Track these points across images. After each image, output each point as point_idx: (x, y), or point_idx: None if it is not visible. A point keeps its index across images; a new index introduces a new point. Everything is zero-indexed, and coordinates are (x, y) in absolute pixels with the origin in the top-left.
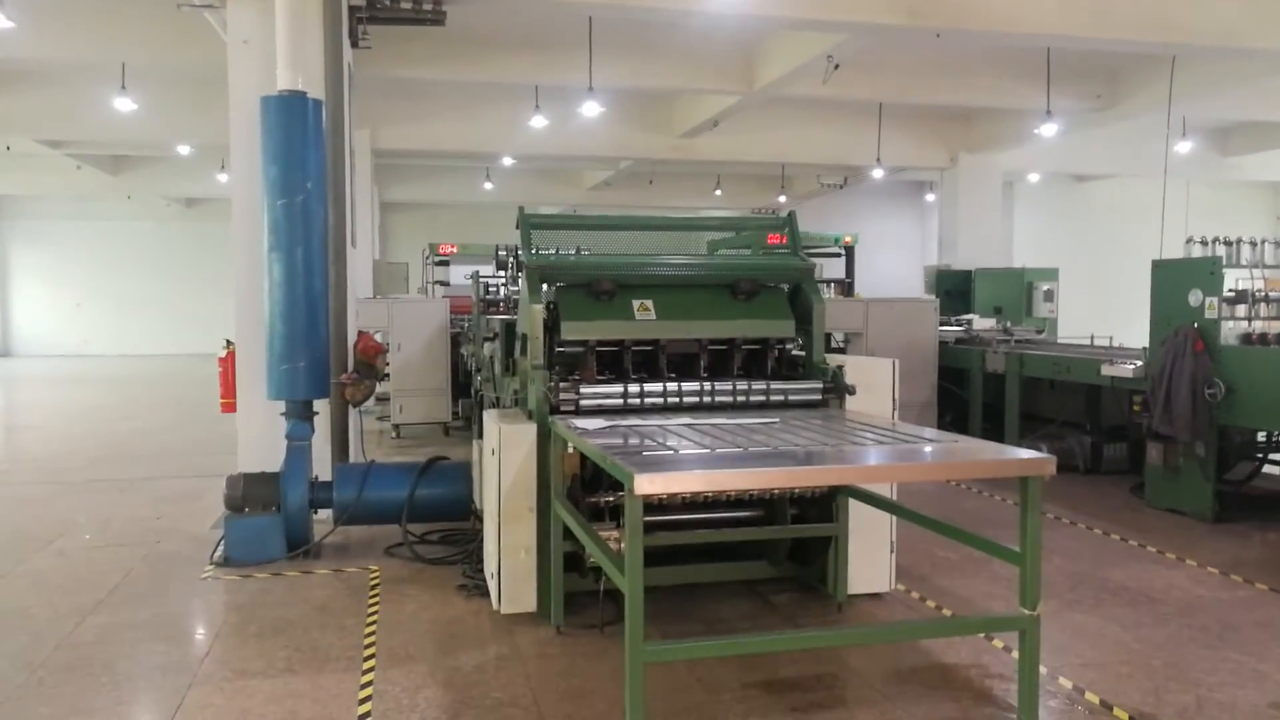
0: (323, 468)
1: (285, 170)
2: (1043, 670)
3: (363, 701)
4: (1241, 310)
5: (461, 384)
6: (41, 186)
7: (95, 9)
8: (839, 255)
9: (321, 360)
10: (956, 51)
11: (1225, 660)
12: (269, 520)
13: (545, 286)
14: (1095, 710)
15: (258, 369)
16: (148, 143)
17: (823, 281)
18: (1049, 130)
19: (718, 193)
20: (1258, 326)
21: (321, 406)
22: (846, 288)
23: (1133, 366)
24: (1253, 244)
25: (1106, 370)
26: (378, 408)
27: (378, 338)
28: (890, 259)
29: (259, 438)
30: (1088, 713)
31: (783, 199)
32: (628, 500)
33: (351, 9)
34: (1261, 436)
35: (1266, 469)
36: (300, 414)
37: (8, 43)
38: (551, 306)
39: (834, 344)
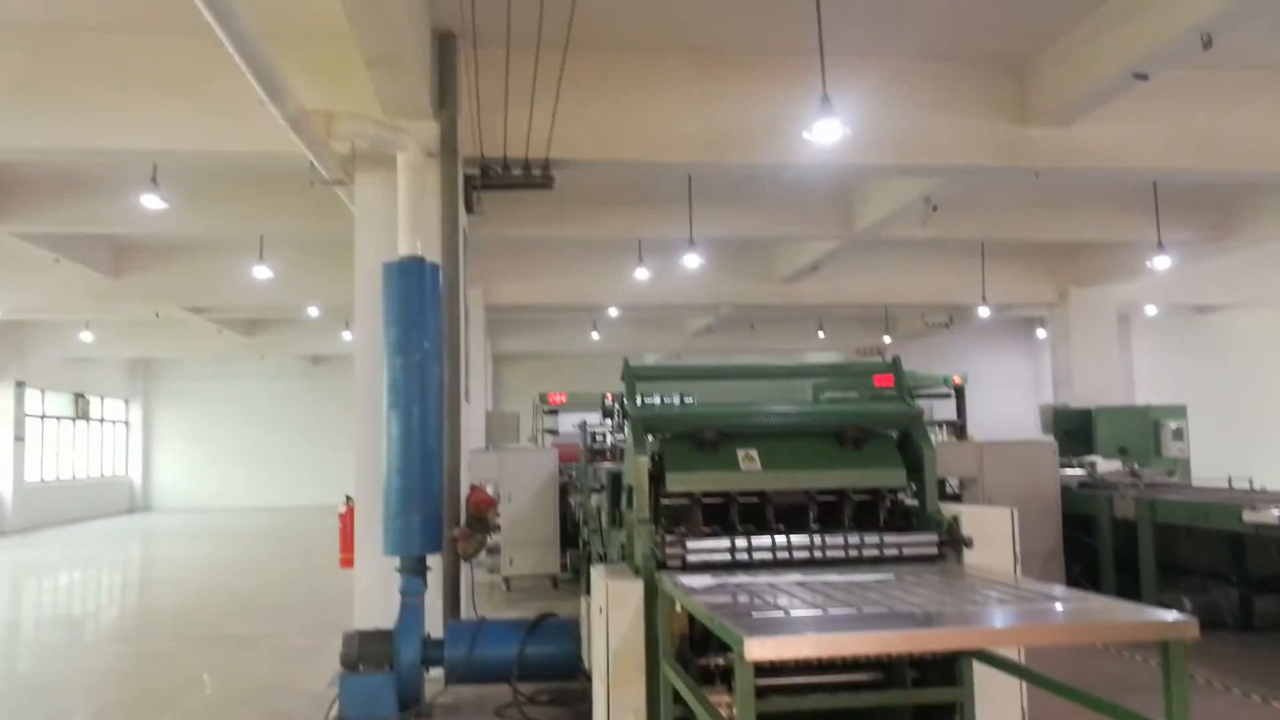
0: (435, 623)
1: (404, 331)
2: None
3: None
4: None
5: (569, 534)
6: (185, 349)
7: (239, 189)
8: (949, 396)
9: (435, 515)
10: (1058, 187)
11: None
12: (382, 679)
13: (650, 437)
14: None
15: (375, 524)
16: (280, 305)
17: (934, 423)
18: (1162, 263)
19: (821, 335)
20: None
21: (435, 561)
22: (958, 429)
23: (1278, 512)
24: None
25: (1249, 516)
26: (488, 560)
27: (489, 489)
28: (1003, 398)
29: (375, 593)
30: None
31: (887, 339)
32: (738, 665)
33: (467, 178)
34: None
35: None
36: (414, 569)
37: (161, 221)
38: (656, 458)
39: (949, 490)
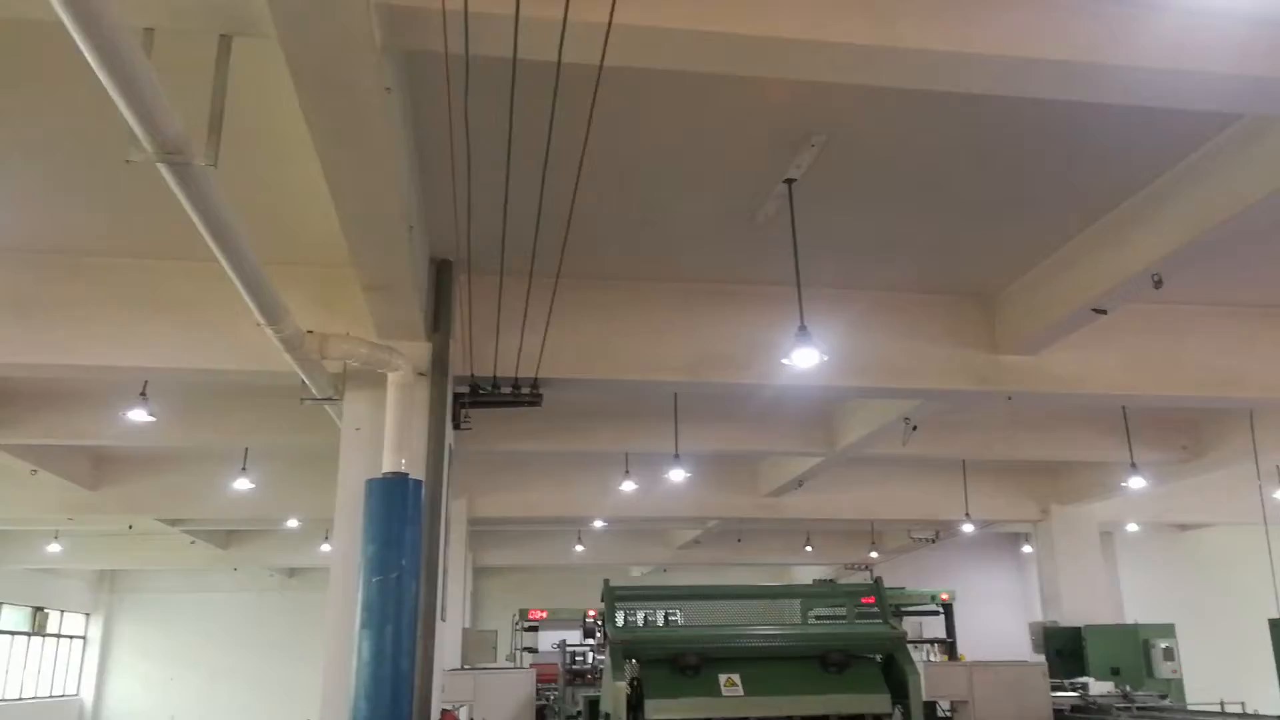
0: None
1: (382, 548)
2: None
3: None
4: None
5: None
6: (155, 561)
7: (226, 403)
8: (938, 613)
9: None
10: (1033, 409)
11: None
12: None
13: (630, 661)
14: None
15: None
16: (259, 518)
17: (924, 641)
18: (1137, 483)
19: (808, 549)
20: None
21: None
22: (949, 647)
23: None
24: None
25: None
26: None
27: (462, 713)
28: (991, 613)
29: None
30: None
31: (874, 554)
32: None
33: (456, 396)
34: None
35: None
36: None
37: (146, 433)
38: (635, 683)
39: (940, 712)
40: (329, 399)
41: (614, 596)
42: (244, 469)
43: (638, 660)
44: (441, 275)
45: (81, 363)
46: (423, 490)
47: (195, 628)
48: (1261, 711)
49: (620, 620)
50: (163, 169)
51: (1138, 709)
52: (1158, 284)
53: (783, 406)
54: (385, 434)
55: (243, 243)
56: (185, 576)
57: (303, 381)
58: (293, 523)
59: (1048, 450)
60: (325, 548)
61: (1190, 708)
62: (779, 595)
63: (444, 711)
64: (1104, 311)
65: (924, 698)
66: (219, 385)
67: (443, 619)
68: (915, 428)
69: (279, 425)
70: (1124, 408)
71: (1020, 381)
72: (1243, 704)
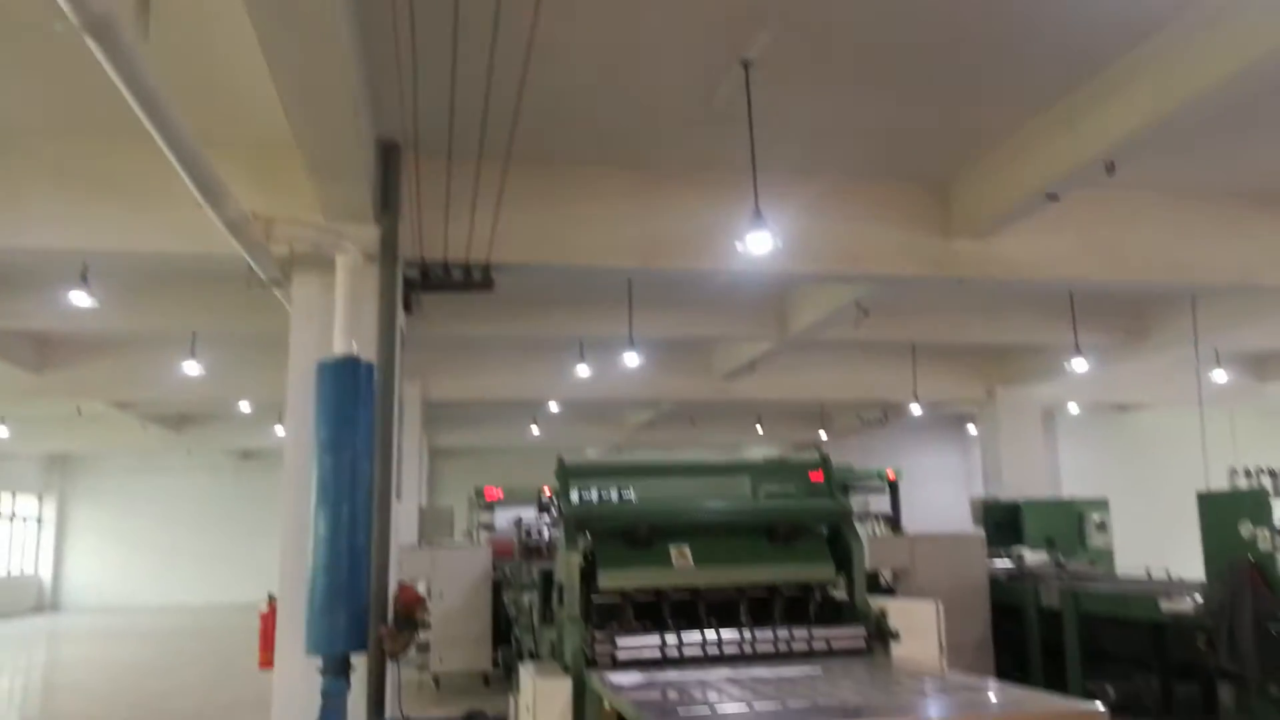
0: None
1: (336, 429)
2: None
3: None
4: None
5: (503, 631)
6: (107, 445)
7: (171, 287)
8: (883, 490)
9: (361, 613)
10: (983, 294)
11: None
12: None
13: (583, 535)
14: None
15: (297, 623)
16: (211, 401)
17: (869, 516)
18: (1080, 366)
19: (759, 430)
20: None
21: (359, 660)
22: (893, 522)
23: (1192, 601)
24: None
25: (1166, 606)
26: (418, 657)
27: (420, 586)
28: (936, 491)
29: (295, 694)
30: None
31: (824, 435)
32: None
33: (407, 280)
34: None
35: None
36: (337, 669)
37: (90, 317)
38: (589, 555)
39: (882, 583)
40: (276, 283)
41: (567, 473)
42: (192, 353)
43: (591, 534)
44: (389, 157)
45: (17, 244)
46: (375, 373)
47: (151, 509)
48: (1185, 577)
49: (574, 497)
50: (90, 43)
51: (1069, 575)
52: (1110, 170)
53: (736, 292)
54: (335, 318)
55: (178, 120)
56: (139, 459)
57: (249, 265)
58: (245, 406)
59: (995, 334)
60: (279, 430)
61: (1116, 574)
62: (730, 471)
63: (401, 584)
64: (1056, 197)
65: (867, 568)
66: (164, 269)
67: (398, 497)
68: (866, 312)
69: (227, 309)
70: (1071, 292)
71: (971, 266)
72: (1167, 570)
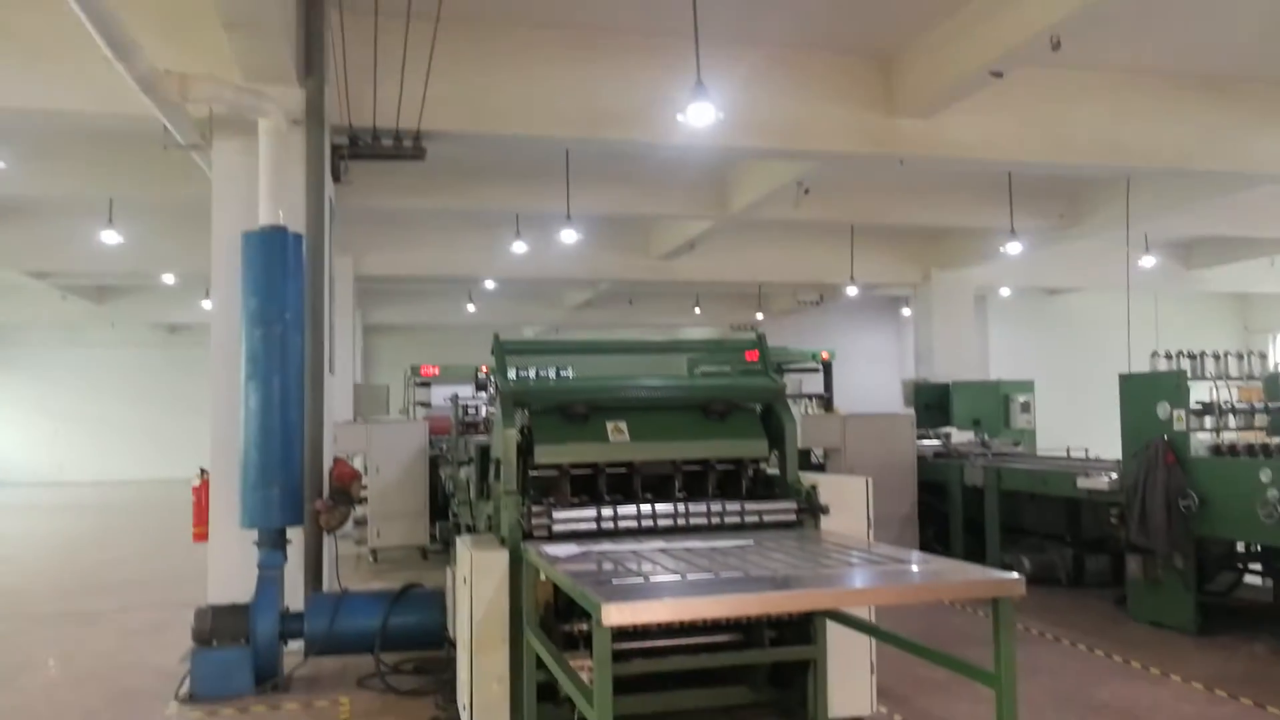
0: (295, 597)
1: (264, 302)
2: None
3: None
4: (1210, 422)
5: (440, 506)
6: (26, 316)
7: (84, 149)
8: (817, 371)
9: (296, 487)
10: (922, 175)
11: None
12: (237, 653)
13: (521, 410)
14: None
15: (231, 497)
16: (133, 273)
17: (803, 396)
18: (1014, 248)
19: (697, 311)
20: (1227, 437)
21: (295, 534)
22: (826, 402)
23: (1108, 479)
24: (1215, 357)
25: (1082, 483)
26: (355, 531)
27: (356, 462)
28: (869, 372)
29: (230, 567)
30: None
31: (760, 316)
32: (595, 630)
33: (335, 147)
34: (1241, 547)
35: (1249, 579)
36: (273, 542)
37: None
38: (526, 430)
39: (814, 460)
40: (195, 146)
41: (504, 350)
42: (110, 221)
43: (528, 410)
44: (312, 12)
45: None
46: (303, 244)
47: (77, 383)
48: (1103, 457)
49: (511, 375)
50: None
51: (992, 454)
52: (1056, 46)
53: (677, 169)
54: (260, 186)
55: None
56: (61, 331)
57: (165, 127)
58: (169, 278)
59: (933, 216)
60: (206, 304)
61: (1038, 453)
62: (666, 350)
63: (336, 459)
64: (1000, 74)
65: (799, 445)
66: (75, 129)
67: (331, 372)
68: (807, 191)
69: (146, 175)
70: (1010, 174)
71: (914, 145)
72: (1086, 450)
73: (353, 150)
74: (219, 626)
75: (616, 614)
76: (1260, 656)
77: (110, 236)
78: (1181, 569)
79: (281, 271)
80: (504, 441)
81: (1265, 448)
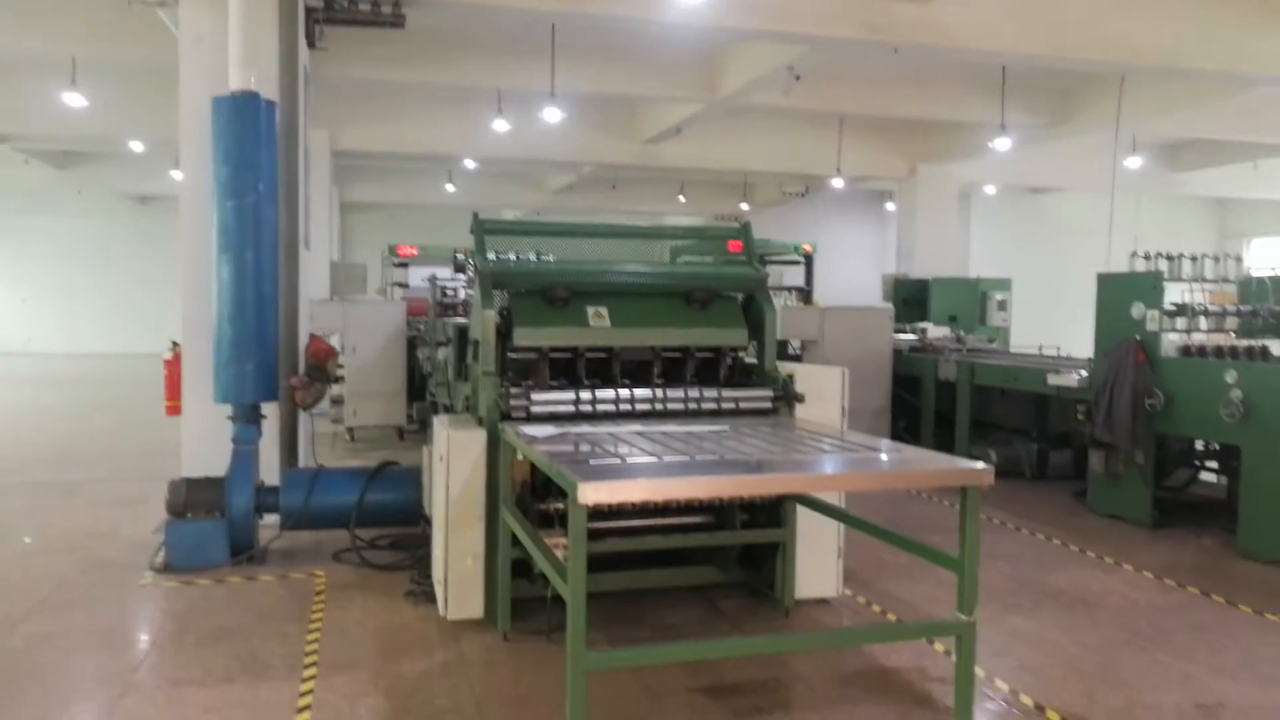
0: (270, 472)
1: (236, 171)
2: (981, 673)
3: (301, 710)
4: (1182, 323)
5: (417, 387)
6: None
7: (43, 3)
8: (799, 263)
9: (270, 363)
10: (915, 65)
11: (1155, 662)
12: (212, 526)
13: (500, 292)
14: (1030, 713)
15: (204, 371)
16: (99, 138)
17: (783, 289)
18: (1003, 144)
19: (681, 199)
20: (1197, 339)
21: (270, 410)
22: (805, 295)
23: (1078, 376)
24: (1193, 259)
25: (1053, 380)
26: (331, 410)
27: (333, 340)
28: (850, 267)
29: (204, 441)
30: (1023, 715)
31: (745, 206)
32: (571, 509)
33: (309, 10)
34: (1199, 445)
35: (1204, 476)
36: (247, 417)
37: None
38: (505, 312)
39: (791, 351)
40: (161, 3)
41: (483, 229)
42: (74, 82)
43: (507, 292)
44: None
45: None
46: (276, 112)
47: (45, 252)
48: (1075, 356)
49: (491, 257)
50: None
51: (967, 350)
52: None
53: (665, 48)
54: (229, 47)
55: None
56: (25, 198)
57: None
58: (137, 145)
59: (923, 108)
60: (177, 174)
61: (1011, 350)
62: (650, 235)
63: (312, 336)
64: None
65: (778, 336)
66: None
67: (306, 247)
68: (798, 77)
69: (109, 33)
70: (1004, 66)
71: (910, 32)
72: (1058, 349)
73: (328, 14)
74: (193, 499)
75: (593, 493)
76: (1208, 549)
77: (73, 99)
78: (1142, 465)
79: (254, 140)
80: (482, 322)
81: (1233, 350)
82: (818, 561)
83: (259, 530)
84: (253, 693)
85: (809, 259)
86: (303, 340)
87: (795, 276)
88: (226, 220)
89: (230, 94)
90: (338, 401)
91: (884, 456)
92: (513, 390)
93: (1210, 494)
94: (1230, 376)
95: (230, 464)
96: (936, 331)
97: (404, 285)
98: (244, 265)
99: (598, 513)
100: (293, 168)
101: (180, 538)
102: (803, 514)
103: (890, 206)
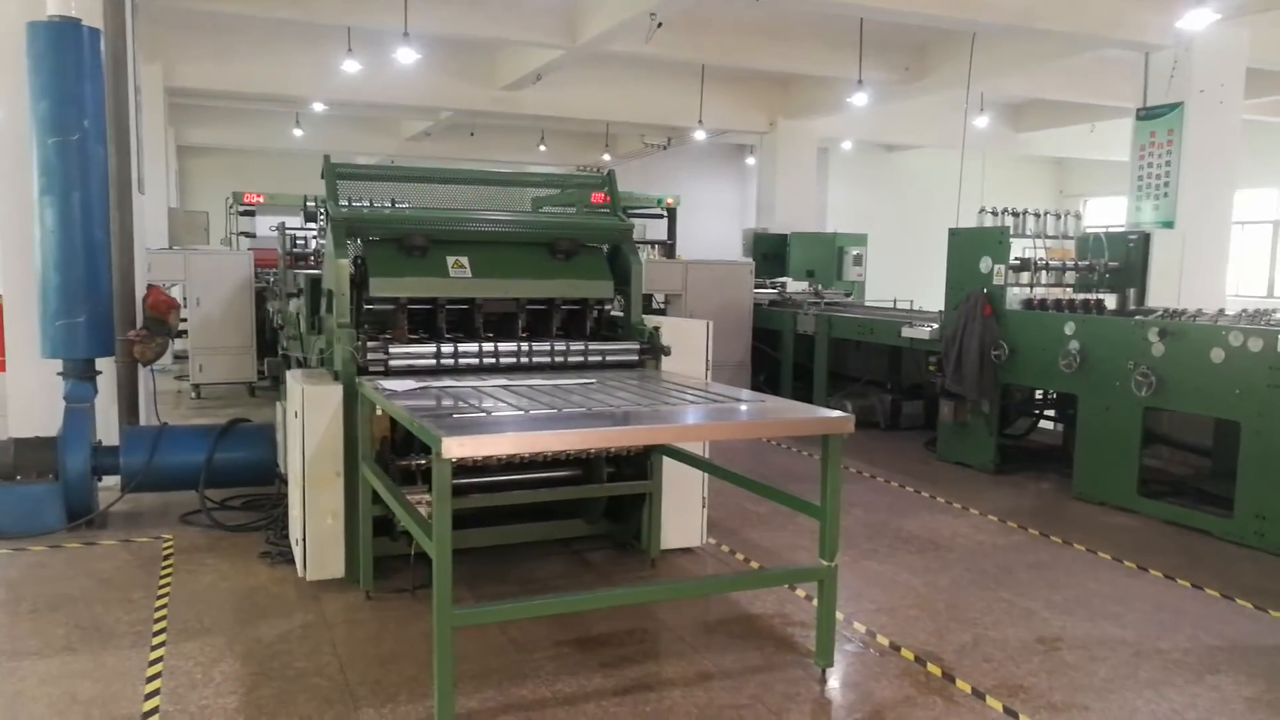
0: (109, 432)
1: (57, 106)
2: (840, 616)
3: (151, 679)
4: (1025, 277)
5: (268, 341)
6: None
7: None
8: (662, 217)
9: (104, 316)
10: (776, 17)
11: (999, 600)
12: (45, 489)
13: (354, 242)
14: (885, 652)
15: (29, 323)
16: None
17: (646, 242)
18: (860, 99)
19: (542, 149)
20: (1038, 293)
21: (106, 366)
22: (669, 249)
23: (929, 329)
24: (1036, 215)
25: (906, 332)
26: (176, 367)
27: (173, 292)
28: (712, 221)
29: (33, 399)
30: (879, 655)
31: (607, 157)
32: (435, 464)
33: None
34: (1039, 394)
35: (1042, 424)
36: (80, 373)
37: None
38: (360, 262)
39: (655, 305)
40: None
41: (335, 174)
42: None
43: (362, 241)
44: None
45: None
46: (101, 40)
47: None
48: (925, 309)
49: (344, 205)
50: None
51: (824, 304)
52: None
53: None
54: None
55: None
56: None
57: None
58: None
59: (784, 61)
60: None
61: (866, 304)
62: (512, 183)
63: (150, 287)
64: None
65: (643, 290)
66: None
67: (140, 191)
68: (660, 24)
69: None
70: (861, 20)
71: None
72: (911, 302)
73: None
74: (23, 460)
75: (457, 447)
76: (1046, 493)
77: None
78: (987, 414)
79: (76, 72)
80: (335, 272)
81: (1071, 303)
82: (683, 512)
83: (98, 493)
84: (97, 662)
85: (672, 212)
86: (140, 291)
87: (658, 230)
88: (49, 159)
89: (47, 19)
90: (182, 357)
91: (747, 407)
92: (370, 343)
93: (1048, 440)
94: (1069, 329)
95: (63, 423)
96: (795, 286)
97: (250, 235)
98: (70, 208)
99: (462, 468)
100: (122, 103)
101: (10, 502)
102: (668, 466)
103: (751, 161)
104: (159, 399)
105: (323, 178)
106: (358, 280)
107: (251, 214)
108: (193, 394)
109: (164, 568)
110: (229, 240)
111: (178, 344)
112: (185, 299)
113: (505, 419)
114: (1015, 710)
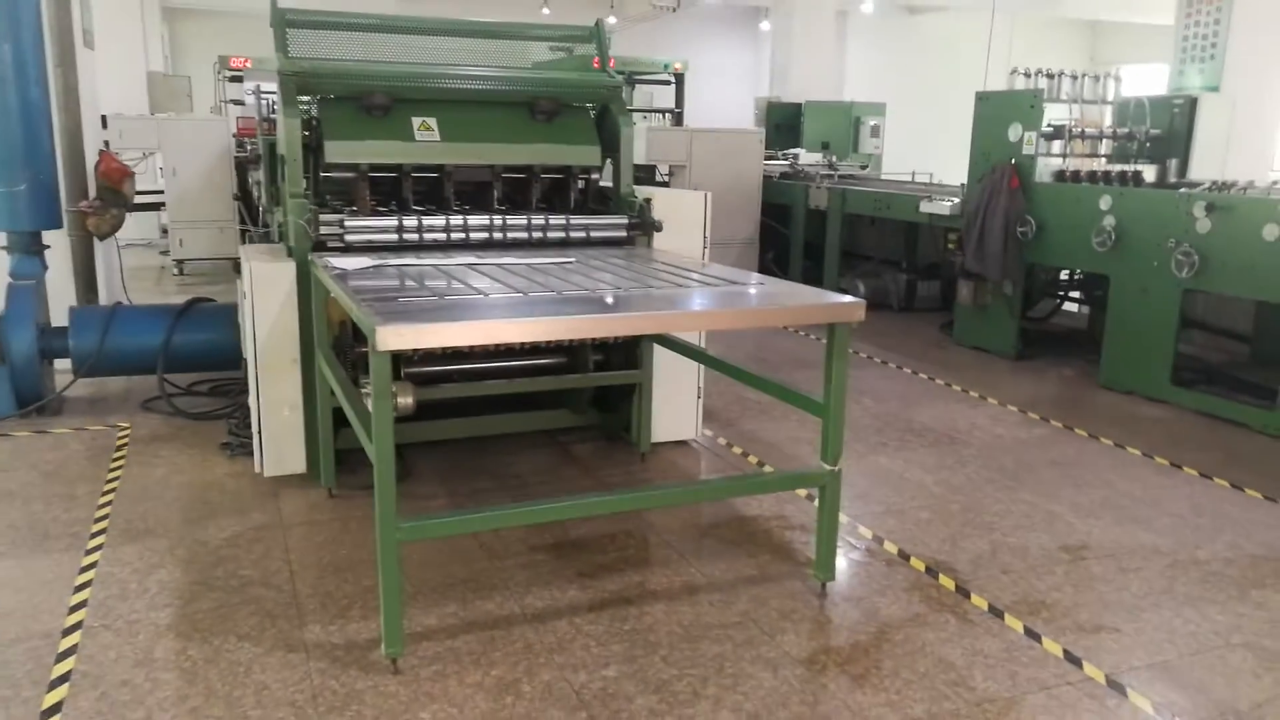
0: (64, 311)
1: None
2: (844, 519)
3: (79, 588)
4: (1058, 147)
5: (255, 214)
6: None
7: None
8: (669, 83)
9: (47, 184)
10: None
11: (1019, 501)
12: None
13: (312, 102)
14: (893, 561)
15: None
16: None
17: (653, 110)
18: None
19: (545, 10)
20: (1071, 164)
21: (59, 240)
22: (677, 118)
23: (950, 204)
24: (1073, 78)
25: (925, 207)
26: (162, 241)
27: (149, 164)
28: (723, 88)
29: None
30: (885, 565)
31: (613, 20)
32: (372, 357)
33: None
34: (1064, 275)
35: (1066, 307)
36: (25, 247)
37: None
38: (313, 122)
39: (660, 177)
40: None
41: (285, 22)
42: None
43: (319, 99)
44: None
45: None
46: None
47: None
48: (947, 183)
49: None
50: None
51: (839, 176)
52: None
53: None
54: None
55: None
56: None
57: None
58: None
59: None
60: None
61: (882, 177)
62: (487, 34)
63: (102, 154)
64: None
65: (644, 160)
66: None
67: (88, 46)
68: None
69: None
70: None
71: None
72: (930, 175)
73: None
74: None
75: (394, 338)
76: (1070, 381)
77: None
78: (1009, 296)
79: None
80: (287, 134)
81: (1107, 175)
82: (676, 403)
83: (54, 378)
84: (24, 568)
85: (680, 79)
86: (90, 158)
87: (666, 98)
88: None
89: None
90: (164, 232)
91: (749, 291)
92: (325, 216)
93: (1073, 324)
94: (1105, 203)
95: (6, 302)
96: (809, 158)
97: (240, 103)
98: (1, 64)
99: (432, 355)
100: None
101: None
102: (661, 353)
103: (765, 26)
104: (141, 276)
105: (272, 25)
106: (313, 144)
107: (240, 79)
108: (175, 270)
109: (115, 459)
110: (219, 108)
111: (163, 219)
112: (162, 170)
113: (460, 304)
114: (1038, 632)
